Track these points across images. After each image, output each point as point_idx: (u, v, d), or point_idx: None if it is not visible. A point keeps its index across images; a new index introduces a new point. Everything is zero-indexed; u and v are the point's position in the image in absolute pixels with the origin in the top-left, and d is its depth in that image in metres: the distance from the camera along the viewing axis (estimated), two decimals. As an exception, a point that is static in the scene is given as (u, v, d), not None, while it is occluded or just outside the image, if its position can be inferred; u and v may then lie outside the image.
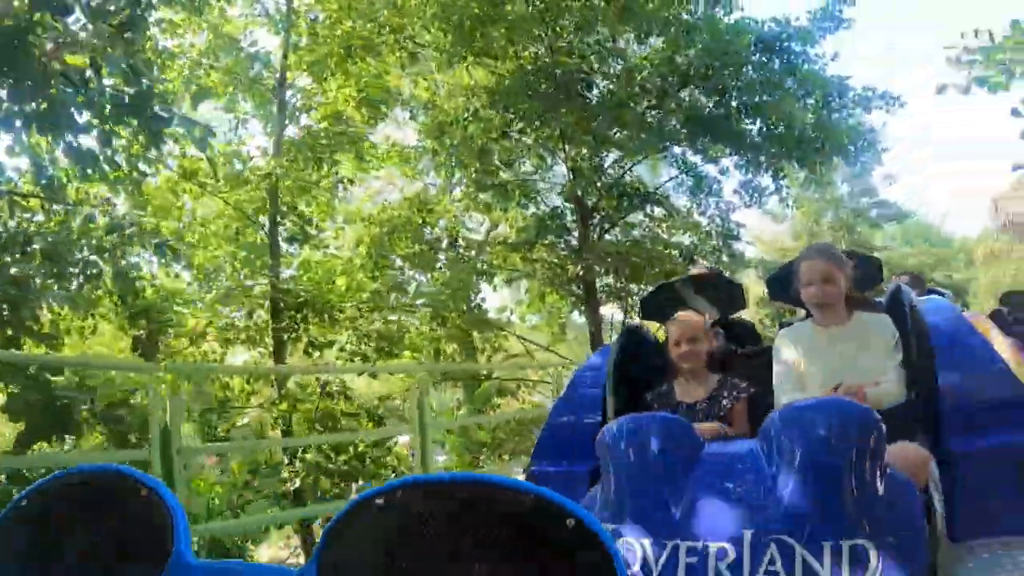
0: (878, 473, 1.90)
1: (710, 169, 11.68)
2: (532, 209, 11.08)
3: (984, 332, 3.94)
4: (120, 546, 1.40)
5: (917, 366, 2.63)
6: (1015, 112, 5.17)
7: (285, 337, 10.10)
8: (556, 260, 10.63)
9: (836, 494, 1.83)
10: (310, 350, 9.76)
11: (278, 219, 11.03)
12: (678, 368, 2.94)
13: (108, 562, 1.40)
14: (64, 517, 1.44)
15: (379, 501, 1.16)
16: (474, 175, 10.24)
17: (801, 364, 2.77)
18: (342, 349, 9.93)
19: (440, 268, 11.14)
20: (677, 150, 11.45)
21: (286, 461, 8.10)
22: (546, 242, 10.62)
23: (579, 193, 10.25)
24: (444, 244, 11.28)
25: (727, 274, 5.18)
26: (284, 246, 11.57)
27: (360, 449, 8.30)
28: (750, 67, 10.21)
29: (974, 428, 2.42)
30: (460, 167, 10.42)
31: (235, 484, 8.33)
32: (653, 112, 10.49)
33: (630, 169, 11.31)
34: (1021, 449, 2.32)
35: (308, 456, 7.80)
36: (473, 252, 11.22)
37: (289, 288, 10.02)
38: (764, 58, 10.23)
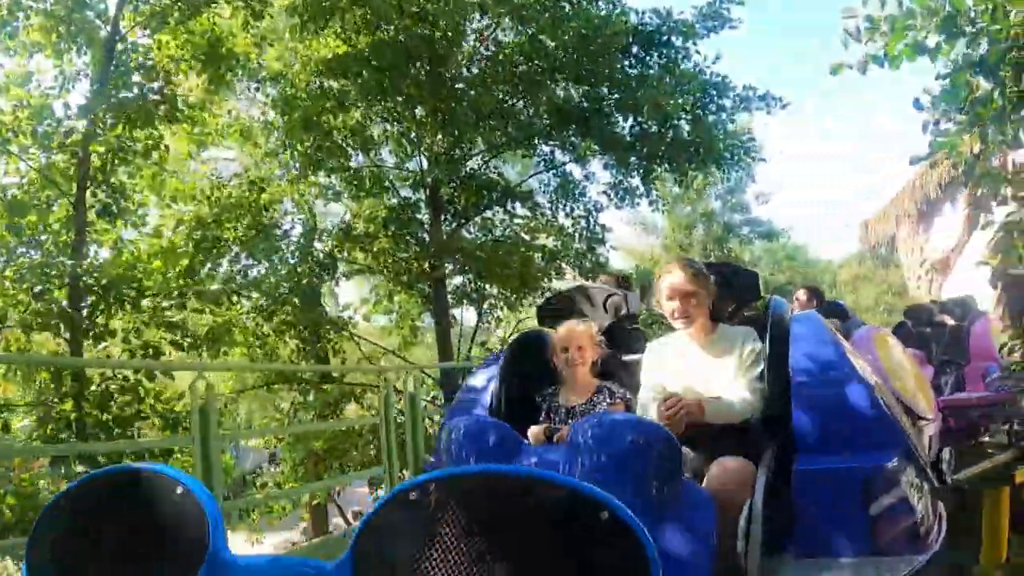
0: (668, 487, 2.06)
1: (579, 171, 10.97)
2: (386, 200, 10.03)
3: (884, 345, 4.25)
4: (158, 542, 1.53)
5: (775, 382, 2.65)
6: (917, 104, 4.64)
7: (84, 325, 8.69)
8: (404, 255, 9.59)
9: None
10: (82, 339, 8.30)
11: (88, 189, 9.50)
12: (564, 373, 3.04)
13: (146, 557, 1.52)
14: (102, 514, 1.58)
15: (413, 495, 1.34)
16: (307, 151, 9.03)
17: (662, 374, 2.84)
18: (126, 340, 8.50)
19: (277, 257, 9.85)
20: (545, 148, 10.64)
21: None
22: (389, 234, 9.55)
23: (432, 182, 9.30)
24: (281, 230, 10.03)
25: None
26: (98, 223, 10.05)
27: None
28: (625, 60, 9.52)
29: (823, 448, 2.45)
30: (298, 142, 9.17)
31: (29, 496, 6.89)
32: (520, 103, 9.67)
33: (489, 162, 10.43)
34: (866, 473, 2.34)
35: (78, 468, 6.46)
36: (317, 243, 10.00)
37: (84, 269, 8.51)
38: (641, 51, 9.58)
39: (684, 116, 9.45)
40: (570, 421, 2.82)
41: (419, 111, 9.30)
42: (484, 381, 3.21)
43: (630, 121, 9.68)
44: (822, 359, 2.65)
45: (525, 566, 1.30)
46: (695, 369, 2.78)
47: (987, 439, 5.71)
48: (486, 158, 10.32)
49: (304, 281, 9.29)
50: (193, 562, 1.45)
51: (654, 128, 9.41)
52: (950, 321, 6.91)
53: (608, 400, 2.92)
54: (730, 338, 2.80)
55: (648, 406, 2.76)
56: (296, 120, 8.79)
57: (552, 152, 10.73)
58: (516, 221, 10.61)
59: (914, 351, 5.66)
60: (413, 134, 9.63)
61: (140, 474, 1.62)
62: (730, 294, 3.01)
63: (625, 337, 3.49)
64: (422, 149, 9.52)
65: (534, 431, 2.83)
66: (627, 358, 3.26)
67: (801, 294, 6.11)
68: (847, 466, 2.37)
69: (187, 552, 1.47)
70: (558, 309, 3.49)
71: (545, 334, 3.37)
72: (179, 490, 1.53)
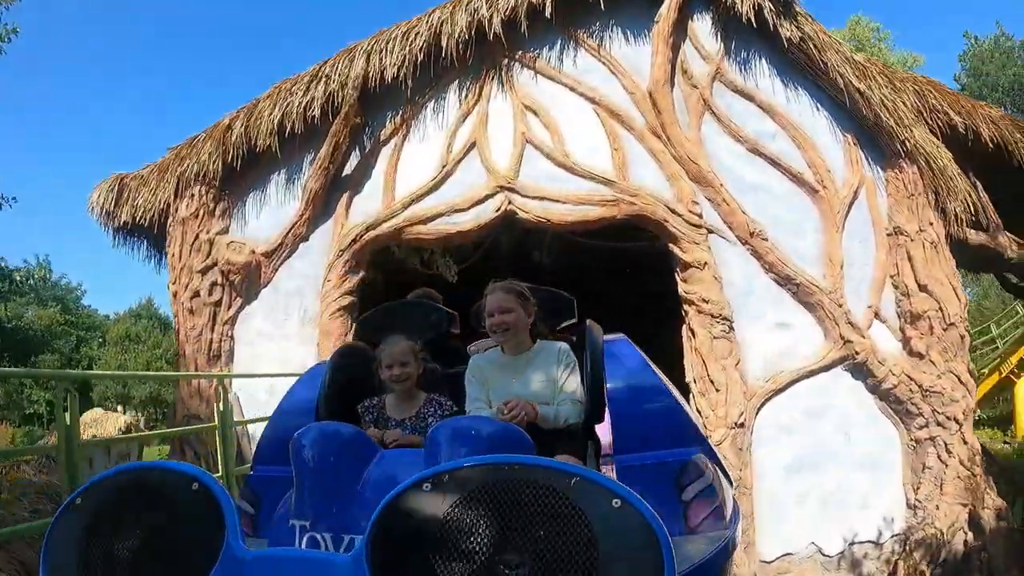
0: None
1: None
2: None
3: None
4: (175, 537, 1.55)
5: (593, 393, 2.94)
6: None
7: None
8: None
9: None
10: None
11: None
12: (390, 387, 3.17)
13: (164, 553, 1.53)
14: (119, 512, 1.59)
15: (426, 486, 1.39)
16: None
17: (487, 385, 3.07)
18: None
19: None
20: None
21: None
22: None
23: None
24: None
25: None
26: None
27: None
28: None
29: (640, 447, 2.77)
30: None
31: None
32: None
33: None
34: (677, 464, 2.70)
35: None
36: None
37: None
38: None
39: None
40: (395, 432, 2.96)
41: None
42: (306, 391, 3.25)
43: None
44: (635, 374, 2.96)
45: (539, 552, 1.31)
46: (518, 377, 3.01)
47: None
48: None
49: None
50: (210, 556, 1.48)
51: None
52: None
53: (439, 412, 3.09)
54: (548, 352, 3.06)
55: (481, 413, 2.94)
56: None
57: None
58: None
59: None
60: None
61: (156, 471, 1.67)
62: (550, 314, 3.40)
63: (447, 351, 3.61)
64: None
65: (372, 435, 2.89)
66: (449, 371, 3.43)
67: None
68: (662, 460, 2.71)
69: (204, 546, 1.49)
70: (379, 324, 3.60)
71: (364, 348, 3.47)
72: (194, 486, 1.56)
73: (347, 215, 7.78)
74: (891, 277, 7.21)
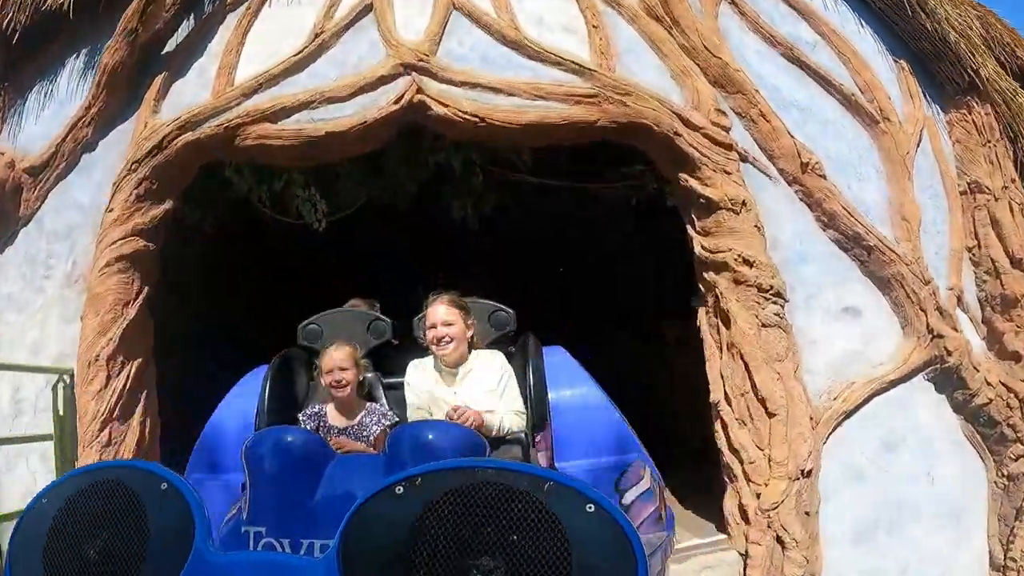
0: None
1: None
2: None
3: None
4: (142, 540, 1.45)
5: (536, 403, 2.98)
6: None
7: None
8: None
9: None
10: None
11: None
12: (331, 394, 3.10)
13: (132, 555, 1.44)
14: (85, 513, 1.49)
15: (399, 489, 1.32)
16: None
17: (428, 393, 3.08)
18: None
19: None
20: None
21: None
22: None
23: None
24: None
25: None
26: None
27: None
28: None
29: (583, 452, 2.86)
30: None
31: None
32: None
33: None
34: (618, 469, 2.80)
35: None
36: None
37: None
38: None
39: None
40: (340, 439, 2.91)
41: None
42: (243, 400, 3.14)
43: None
44: (575, 383, 3.05)
45: (513, 557, 1.27)
46: (458, 390, 3.02)
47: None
48: None
49: None
50: (178, 559, 1.42)
51: None
52: None
53: (381, 421, 3.04)
54: (486, 362, 3.10)
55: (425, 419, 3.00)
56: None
57: None
58: None
59: None
60: None
61: (123, 471, 1.57)
62: (490, 325, 3.35)
63: (386, 359, 3.52)
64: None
65: None
66: (386, 381, 3.37)
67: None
68: (604, 465, 2.80)
69: (172, 549, 1.43)
70: (318, 331, 3.49)
71: (302, 355, 3.40)
72: (163, 486, 1.48)
73: (157, 109, 4.70)
74: (968, 250, 5.06)
